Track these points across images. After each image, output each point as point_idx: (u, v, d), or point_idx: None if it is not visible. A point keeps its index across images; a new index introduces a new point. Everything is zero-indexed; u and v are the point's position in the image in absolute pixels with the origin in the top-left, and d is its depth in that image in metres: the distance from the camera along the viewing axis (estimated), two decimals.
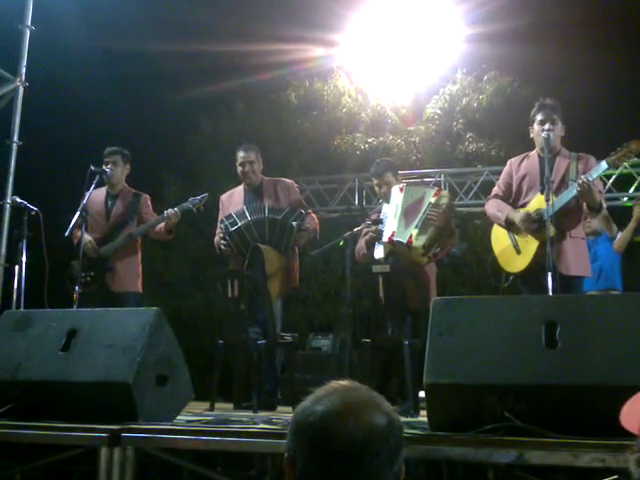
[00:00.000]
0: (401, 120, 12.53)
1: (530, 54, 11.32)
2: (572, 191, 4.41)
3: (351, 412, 1.40)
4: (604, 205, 4.53)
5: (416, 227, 4.74)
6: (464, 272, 11.08)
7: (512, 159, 4.96)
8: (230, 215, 5.28)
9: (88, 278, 5.47)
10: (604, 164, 4.34)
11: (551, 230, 4.26)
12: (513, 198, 4.82)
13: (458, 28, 11.73)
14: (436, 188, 5.14)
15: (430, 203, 4.80)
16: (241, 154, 5.50)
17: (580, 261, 4.58)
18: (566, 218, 4.52)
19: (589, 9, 10.91)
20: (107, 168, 5.62)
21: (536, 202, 4.56)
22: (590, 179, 4.27)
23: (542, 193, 4.43)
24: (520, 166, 4.82)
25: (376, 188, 5.42)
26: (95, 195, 5.69)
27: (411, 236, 4.71)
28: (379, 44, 12.05)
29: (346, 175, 10.68)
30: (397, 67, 12.27)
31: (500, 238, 4.80)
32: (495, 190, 4.98)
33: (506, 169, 4.96)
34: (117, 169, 5.70)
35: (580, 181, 4.29)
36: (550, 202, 4.26)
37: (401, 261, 4.86)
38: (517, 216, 4.62)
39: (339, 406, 1.41)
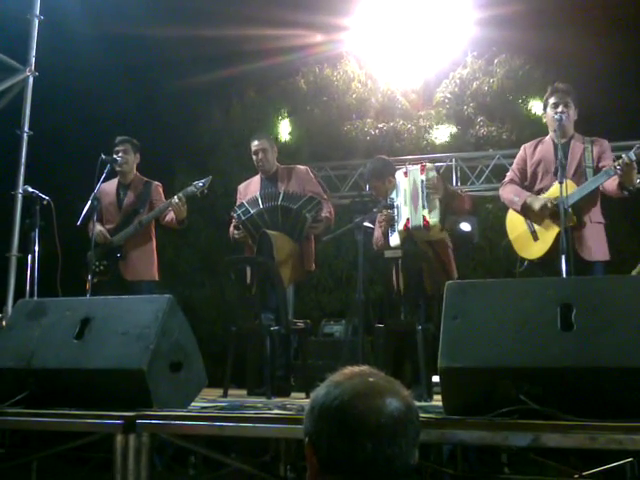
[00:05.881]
0: (411, 105, 12.47)
1: (541, 36, 11.21)
2: (601, 177, 4.40)
3: (376, 394, 1.43)
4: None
5: (424, 207, 4.70)
6: (476, 256, 11.05)
7: (526, 144, 4.94)
8: (242, 204, 5.31)
9: (102, 267, 5.51)
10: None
11: (572, 219, 4.34)
12: (528, 183, 4.81)
13: (468, 11, 11.64)
14: (419, 165, 4.97)
15: (422, 181, 4.76)
16: (254, 142, 5.55)
17: (601, 246, 4.59)
18: (587, 204, 4.52)
19: None
20: (118, 156, 5.66)
21: (556, 189, 4.50)
22: (633, 158, 4.23)
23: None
24: (535, 151, 4.80)
25: (374, 192, 5.44)
26: (107, 186, 5.76)
27: (424, 218, 4.68)
28: (388, 28, 11.98)
29: (357, 161, 10.63)
30: (407, 51, 12.20)
31: (516, 223, 4.78)
32: (510, 175, 4.96)
33: (520, 154, 4.93)
34: (128, 157, 5.75)
35: (619, 162, 4.28)
36: (564, 186, 4.25)
37: (416, 245, 4.84)
38: (536, 204, 4.61)
39: (364, 389, 1.43)
